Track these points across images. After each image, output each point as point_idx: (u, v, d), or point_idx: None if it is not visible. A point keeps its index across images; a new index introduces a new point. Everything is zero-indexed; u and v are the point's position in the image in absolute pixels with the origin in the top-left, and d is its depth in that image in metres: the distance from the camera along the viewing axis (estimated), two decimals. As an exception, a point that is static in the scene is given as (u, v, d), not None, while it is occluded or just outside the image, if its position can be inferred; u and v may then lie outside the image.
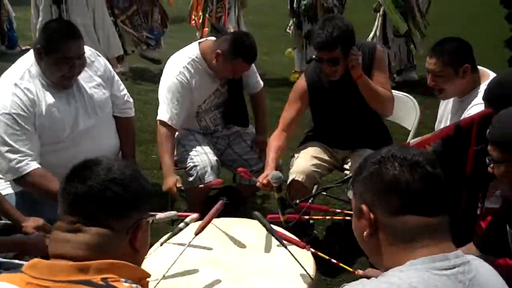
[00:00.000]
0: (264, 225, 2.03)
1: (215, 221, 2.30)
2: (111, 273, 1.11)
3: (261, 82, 3.27)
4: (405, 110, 3.18)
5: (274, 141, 2.85)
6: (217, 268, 1.99)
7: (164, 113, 2.94)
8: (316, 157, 2.92)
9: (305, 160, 2.89)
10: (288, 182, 2.83)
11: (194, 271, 2.00)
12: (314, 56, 2.80)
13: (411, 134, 3.10)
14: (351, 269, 1.98)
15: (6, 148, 2.35)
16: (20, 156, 2.35)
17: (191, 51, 3.01)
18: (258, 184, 2.67)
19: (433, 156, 1.25)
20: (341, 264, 1.97)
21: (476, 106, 2.44)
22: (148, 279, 1.21)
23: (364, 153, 2.83)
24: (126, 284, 1.10)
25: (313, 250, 1.99)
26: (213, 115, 3.14)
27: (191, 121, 3.10)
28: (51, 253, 1.17)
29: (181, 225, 2.06)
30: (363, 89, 2.76)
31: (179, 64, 2.96)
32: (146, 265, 1.39)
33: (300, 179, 2.79)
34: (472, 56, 2.58)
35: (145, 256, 1.28)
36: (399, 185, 1.17)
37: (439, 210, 1.18)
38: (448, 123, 2.67)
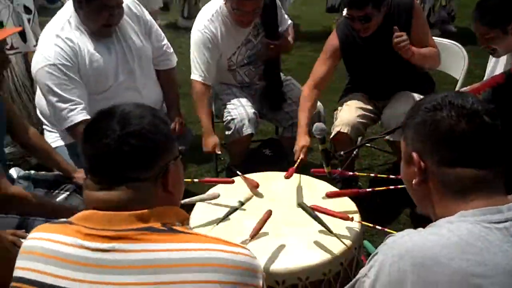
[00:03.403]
0: (309, 214, 1.93)
1: (258, 174, 2.32)
2: (166, 218, 1.12)
3: (289, 20, 3.15)
4: (453, 58, 3.07)
5: (306, 102, 2.78)
6: (258, 217, 1.97)
7: (194, 71, 2.94)
8: (360, 108, 2.88)
9: (349, 112, 2.85)
10: (332, 134, 2.81)
11: (235, 220, 2.00)
12: (344, 14, 2.69)
13: (459, 83, 3.01)
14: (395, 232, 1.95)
15: (56, 98, 2.38)
16: (71, 105, 2.37)
17: (216, 2, 2.94)
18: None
19: (491, 105, 1.15)
20: (386, 229, 1.94)
21: None
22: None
23: (402, 95, 2.78)
24: (182, 227, 1.13)
25: (357, 221, 1.95)
26: (247, 69, 3.10)
27: (225, 75, 3.07)
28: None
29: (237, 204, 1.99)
30: (415, 62, 2.69)
31: (204, 18, 2.92)
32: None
33: (345, 131, 2.76)
34: None
35: (181, 194, 1.26)
36: (454, 136, 1.11)
37: (494, 162, 1.13)
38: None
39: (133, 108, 1.17)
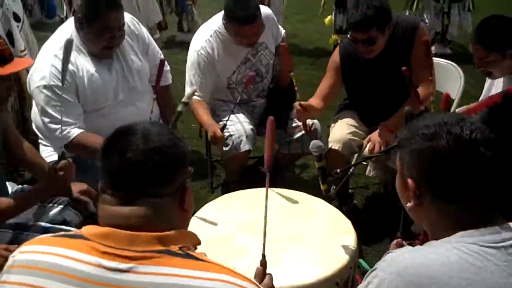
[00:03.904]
0: None
1: (253, 190, 2.31)
2: (183, 242, 1.11)
3: (282, 32, 3.15)
4: (449, 78, 3.07)
5: (313, 102, 2.82)
6: (253, 234, 1.97)
7: (188, 90, 2.92)
8: (352, 125, 2.88)
9: (342, 129, 2.86)
10: (324, 151, 2.80)
11: (230, 236, 2.02)
12: (348, 36, 2.69)
13: (454, 103, 3.01)
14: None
15: (48, 119, 2.40)
16: (63, 126, 2.37)
17: (215, 22, 2.95)
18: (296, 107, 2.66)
19: (490, 133, 1.13)
20: None
21: None
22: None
23: None
24: (197, 251, 1.12)
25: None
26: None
27: (223, 92, 3.07)
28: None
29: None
30: None
31: (202, 38, 2.93)
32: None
33: (336, 148, 2.77)
34: None
35: (191, 213, 1.26)
36: (450, 170, 1.10)
37: (489, 192, 1.12)
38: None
39: (151, 126, 1.19)
